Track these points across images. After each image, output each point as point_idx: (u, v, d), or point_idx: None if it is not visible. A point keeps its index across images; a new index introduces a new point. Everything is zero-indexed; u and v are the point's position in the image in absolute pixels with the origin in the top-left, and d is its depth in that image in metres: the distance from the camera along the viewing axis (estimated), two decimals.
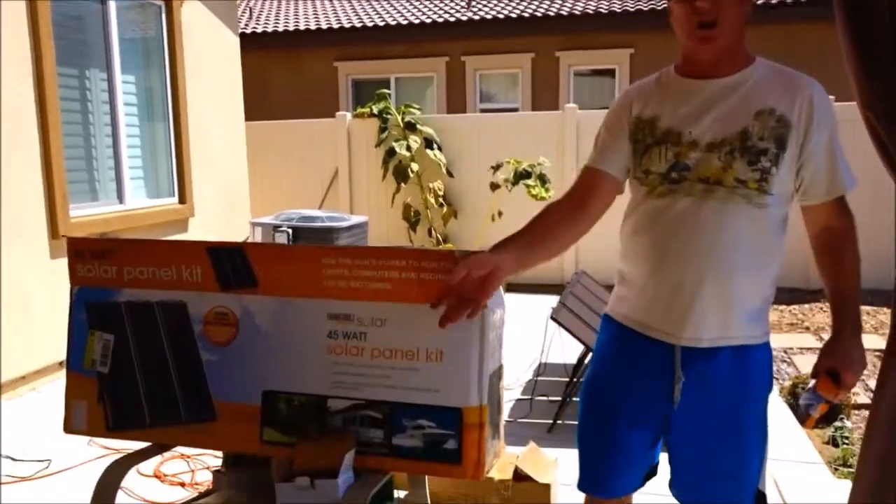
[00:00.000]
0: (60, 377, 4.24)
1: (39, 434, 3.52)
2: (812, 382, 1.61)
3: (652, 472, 1.79)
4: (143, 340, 1.79)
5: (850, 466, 3.24)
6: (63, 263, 4.49)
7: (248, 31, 9.95)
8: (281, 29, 10.27)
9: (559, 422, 3.63)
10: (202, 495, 2.07)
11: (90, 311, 1.82)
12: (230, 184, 6.45)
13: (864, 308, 6.07)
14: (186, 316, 1.75)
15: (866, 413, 3.89)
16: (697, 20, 1.54)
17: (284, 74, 10.20)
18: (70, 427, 1.83)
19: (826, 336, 5.36)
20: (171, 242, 1.81)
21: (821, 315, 5.99)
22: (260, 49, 9.09)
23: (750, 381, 1.65)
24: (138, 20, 5.30)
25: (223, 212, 6.27)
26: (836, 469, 3.23)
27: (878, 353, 4.89)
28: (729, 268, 1.57)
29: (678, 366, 1.62)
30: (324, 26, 10.13)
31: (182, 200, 5.65)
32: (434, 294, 1.54)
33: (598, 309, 4.37)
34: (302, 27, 10.24)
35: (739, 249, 1.56)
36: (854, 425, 3.70)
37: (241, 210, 6.65)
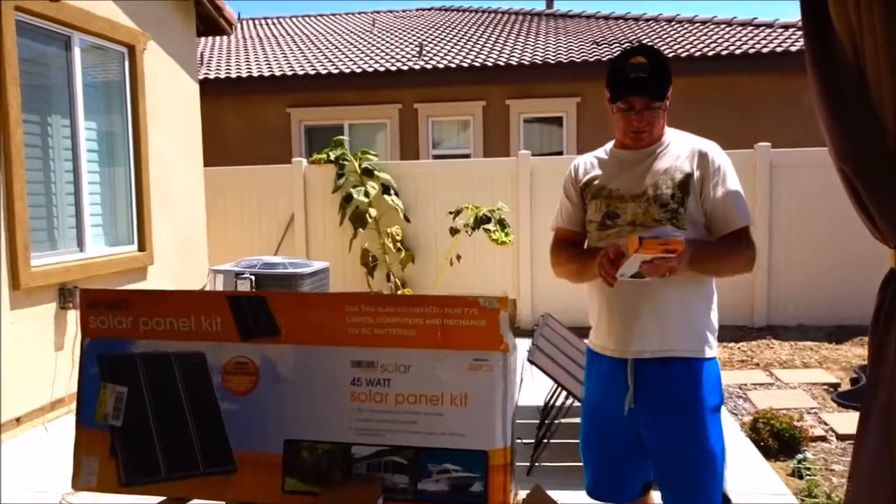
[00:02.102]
0: (19, 433, 4.07)
1: None
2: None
3: (649, 483, 2.09)
4: (159, 392, 1.78)
5: (816, 497, 3.39)
6: (26, 314, 4.34)
7: (201, 76, 9.91)
8: (234, 75, 10.28)
9: (537, 464, 3.68)
10: None
11: (103, 363, 1.81)
12: (189, 230, 6.37)
13: (807, 344, 6.40)
14: (205, 366, 1.76)
15: (824, 445, 4.09)
16: (629, 129, 1.98)
17: (237, 120, 10.18)
18: (79, 484, 1.80)
19: (777, 371, 5.61)
20: (189, 292, 1.82)
21: (768, 351, 6.26)
22: (213, 95, 9.04)
23: (701, 389, 1.95)
24: (101, 65, 5.26)
25: (182, 259, 6.18)
26: (802, 500, 3.37)
27: (825, 387, 5.16)
28: (657, 290, 1.92)
29: (629, 377, 1.96)
30: (277, 73, 10.19)
31: (141, 248, 5.55)
32: (458, 340, 1.63)
33: (565, 349, 4.48)
34: (255, 74, 10.27)
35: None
36: (814, 457, 3.87)
37: (199, 257, 6.56)
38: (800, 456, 3.78)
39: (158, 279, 5.70)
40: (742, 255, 1.95)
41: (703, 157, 1.98)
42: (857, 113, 1.80)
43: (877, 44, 1.78)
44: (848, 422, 4.35)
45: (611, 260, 1.82)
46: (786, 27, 10.41)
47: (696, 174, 1.97)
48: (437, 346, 1.65)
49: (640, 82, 1.89)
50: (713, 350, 2.00)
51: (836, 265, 6.87)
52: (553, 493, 2.94)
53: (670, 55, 9.18)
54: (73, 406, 1.88)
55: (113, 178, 5.40)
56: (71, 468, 1.81)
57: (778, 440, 3.94)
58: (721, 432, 1.98)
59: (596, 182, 2.08)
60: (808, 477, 3.59)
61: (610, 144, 2.14)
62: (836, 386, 5.16)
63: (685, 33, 10.59)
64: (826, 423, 4.34)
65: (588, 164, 2.15)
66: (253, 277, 5.67)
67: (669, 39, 10.26)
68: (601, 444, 2.07)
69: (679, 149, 2.01)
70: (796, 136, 7.88)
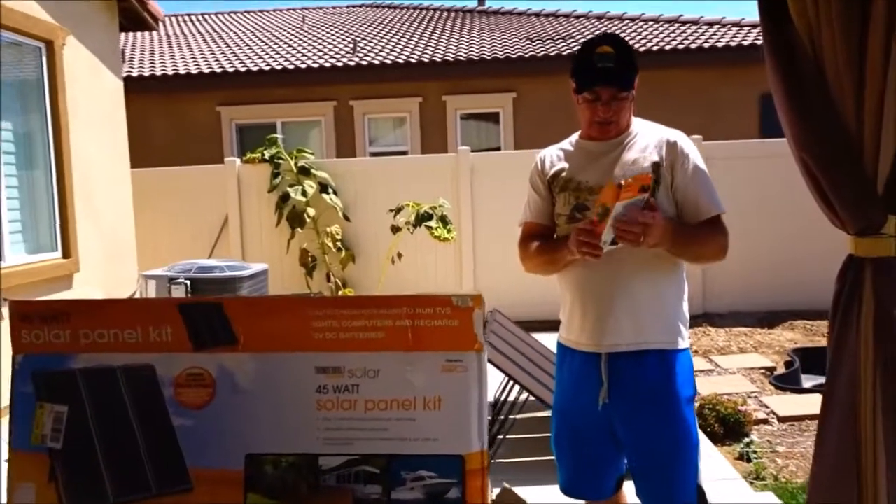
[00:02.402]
0: None
1: None
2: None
3: (622, 478, 2.08)
4: (104, 409, 1.64)
5: (763, 479, 3.47)
6: None
7: (124, 74, 9.47)
8: (159, 73, 9.88)
9: (493, 461, 3.64)
10: None
11: (38, 381, 1.65)
12: (116, 235, 6.06)
13: (741, 330, 6.60)
14: (155, 380, 1.63)
15: (766, 428, 4.21)
16: (596, 120, 1.95)
17: (165, 120, 9.79)
18: None
19: (715, 357, 5.75)
20: (135, 302, 1.69)
21: (706, 338, 6.43)
22: (138, 94, 8.65)
23: (675, 381, 1.93)
24: (16, 62, 4.93)
25: (110, 265, 5.87)
26: (751, 482, 3.44)
27: (762, 371, 5.32)
28: (630, 282, 1.92)
29: (604, 371, 1.93)
30: (205, 70, 9.85)
31: (66, 255, 5.24)
32: (430, 341, 1.55)
33: (515, 344, 4.46)
34: (182, 71, 9.90)
35: (635, 266, 1.91)
36: (759, 439, 3.97)
37: (128, 262, 6.26)
38: (746, 440, 3.87)
39: (85, 287, 5.40)
40: (717, 240, 1.94)
41: (671, 147, 1.96)
42: (817, 104, 1.82)
43: (834, 37, 1.80)
44: (787, 404, 4.50)
45: (588, 231, 1.77)
46: (710, 24, 10.74)
47: (665, 164, 1.95)
48: (407, 349, 1.57)
49: (606, 72, 1.86)
50: (686, 341, 1.99)
51: (766, 254, 7.11)
52: (516, 490, 2.92)
53: None
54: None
55: (32, 182, 5.08)
56: (3, 498, 1.64)
57: (724, 425, 4.02)
58: (695, 423, 1.97)
59: (563, 174, 2.04)
60: (755, 460, 3.68)
61: (575, 136, 2.10)
62: (772, 370, 5.33)
63: (615, 30, 10.79)
64: (767, 407, 4.47)
65: (554, 156, 2.11)
66: (188, 282, 5.43)
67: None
68: (575, 441, 2.03)
69: (646, 139, 1.99)
70: (726, 129, 8.12)
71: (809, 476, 1.96)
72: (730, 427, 3.99)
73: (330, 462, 1.58)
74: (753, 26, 10.40)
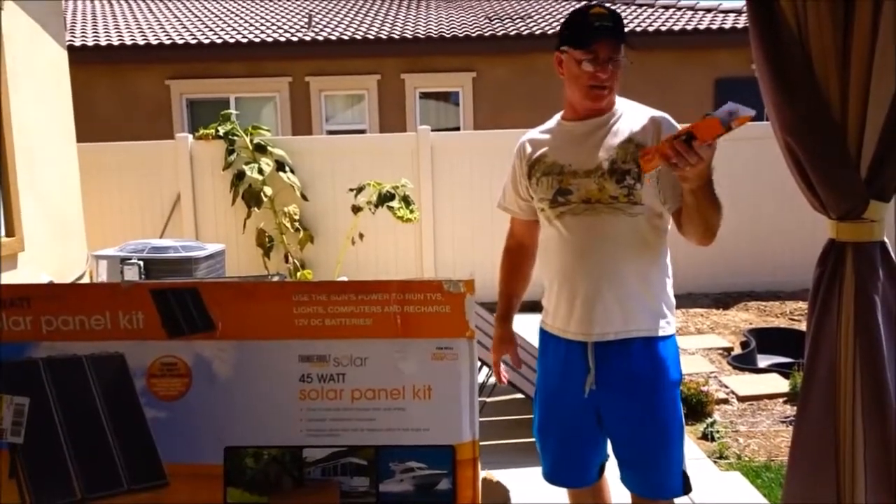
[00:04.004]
0: None
1: None
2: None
3: (605, 464, 2.07)
4: (70, 401, 1.54)
5: (727, 458, 3.54)
6: None
7: (66, 44, 9.02)
8: (104, 43, 9.45)
9: None
10: None
11: None
12: (63, 213, 5.80)
13: (697, 311, 6.73)
14: (125, 369, 1.53)
15: (727, 407, 4.29)
16: (594, 82, 1.85)
17: (110, 93, 9.39)
18: None
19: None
20: (103, 286, 1.58)
21: None
22: (81, 64, 8.26)
23: (661, 367, 1.91)
24: None
25: (57, 244, 5.62)
26: (716, 461, 3.50)
27: (720, 352, 5.43)
28: (618, 269, 1.88)
29: (591, 360, 1.90)
30: (153, 42, 9.47)
31: (10, 233, 4.98)
32: (420, 328, 1.50)
33: (481, 326, 4.43)
34: (128, 42, 9.49)
35: (623, 252, 1.88)
36: (721, 419, 4.05)
37: (76, 241, 6.00)
38: (709, 420, 3.93)
39: (31, 267, 5.16)
40: (720, 215, 1.84)
41: (657, 128, 1.89)
42: (802, 87, 1.81)
43: (820, 19, 1.79)
44: (745, 384, 4.59)
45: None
46: (666, 7, 10.82)
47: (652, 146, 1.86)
48: (396, 336, 1.51)
49: (605, 30, 1.79)
50: (671, 326, 1.96)
51: (721, 236, 7.22)
52: (493, 473, 2.90)
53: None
54: None
55: None
56: None
57: (687, 405, 4.07)
58: (679, 409, 1.95)
59: (546, 158, 1.97)
60: (718, 439, 3.75)
61: (557, 116, 2.03)
62: (729, 350, 5.44)
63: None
64: (727, 387, 4.55)
65: (535, 140, 2.04)
66: (141, 263, 5.24)
67: (558, 16, 10.40)
68: (560, 429, 1.99)
69: (631, 120, 1.91)
70: (681, 113, 8.19)
71: (789, 457, 1.97)
72: (692, 407, 4.05)
73: (315, 454, 1.51)
74: (708, 10, 10.52)
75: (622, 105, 1.96)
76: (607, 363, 1.89)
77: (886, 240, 1.85)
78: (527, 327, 2.68)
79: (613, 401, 1.90)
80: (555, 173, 1.94)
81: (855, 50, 1.77)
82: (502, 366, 2.20)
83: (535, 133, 2.07)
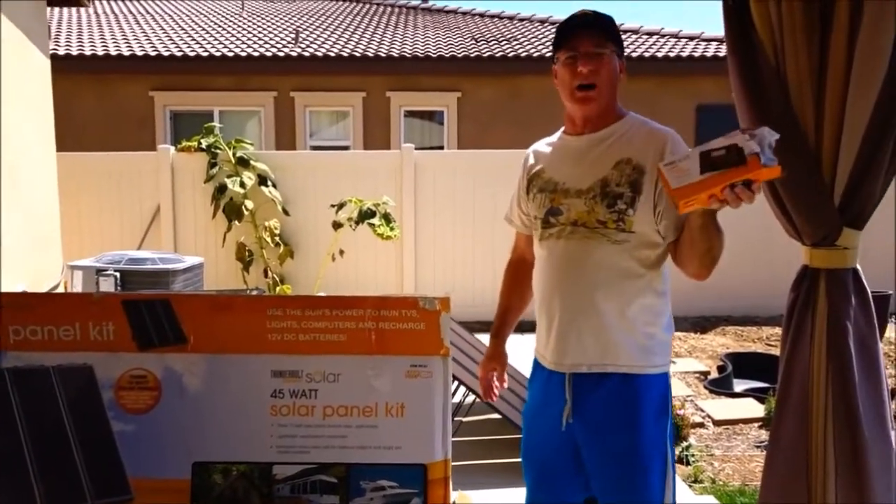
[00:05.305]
0: None
1: None
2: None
3: (592, 499, 1.91)
4: (35, 413, 1.50)
5: (702, 482, 3.54)
6: None
7: (51, 52, 8.97)
8: (88, 53, 9.40)
9: None
10: None
11: None
12: (40, 222, 5.72)
13: (675, 334, 6.75)
14: (93, 381, 1.51)
15: (703, 431, 4.30)
16: (578, 83, 1.76)
17: (93, 102, 9.32)
18: None
19: None
20: (74, 296, 1.56)
21: None
22: (64, 73, 8.21)
23: (641, 406, 1.78)
24: None
25: (34, 254, 5.53)
26: (691, 485, 3.50)
27: (696, 375, 5.45)
28: (596, 298, 1.77)
29: (567, 391, 1.81)
30: (139, 53, 9.43)
31: None
32: (394, 345, 1.49)
33: (459, 344, 4.42)
34: (113, 52, 9.45)
35: (604, 281, 1.77)
36: (697, 443, 4.05)
37: (53, 251, 5.92)
38: (685, 443, 3.94)
39: (6, 276, 5.07)
40: (722, 243, 1.69)
41: (660, 146, 1.74)
42: (779, 116, 1.83)
43: (797, 50, 1.82)
44: (721, 408, 4.61)
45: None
46: (650, 34, 10.99)
47: (650, 171, 1.73)
48: (370, 352, 1.50)
49: (584, 24, 1.75)
50: (662, 367, 1.83)
51: None
52: (468, 493, 2.87)
53: (546, 55, 9.40)
54: None
55: None
56: None
57: None
58: (665, 449, 1.81)
59: (544, 174, 1.88)
60: (693, 463, 3.75)
61: (561, 130, 1.94)
62: (706, 374, 5.46)
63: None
64: (703, 410, 4.57)
65: (539, 152, 1.94)
66: (117, 274, 5.17)
67: (544, 39, 10.52)
68: (540, 456, 1.92)
69: (632, 139, 1.79)
70: None
71: (761, 480, 1.98)
72: None
73: (285, 471, 1.49)
74: (691, 38, 10.70)
75: (629, 121, 1.84)
76: (583, 396, 1.80)
77: (859, 267, 1.88)
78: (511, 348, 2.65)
79: (589, 436, 1.81)
80: (548, 191, 1.85)
81: (830, 81, 1.80)
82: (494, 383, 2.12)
83: (540, 144, 1.98)
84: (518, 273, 2.09)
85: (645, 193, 1.73)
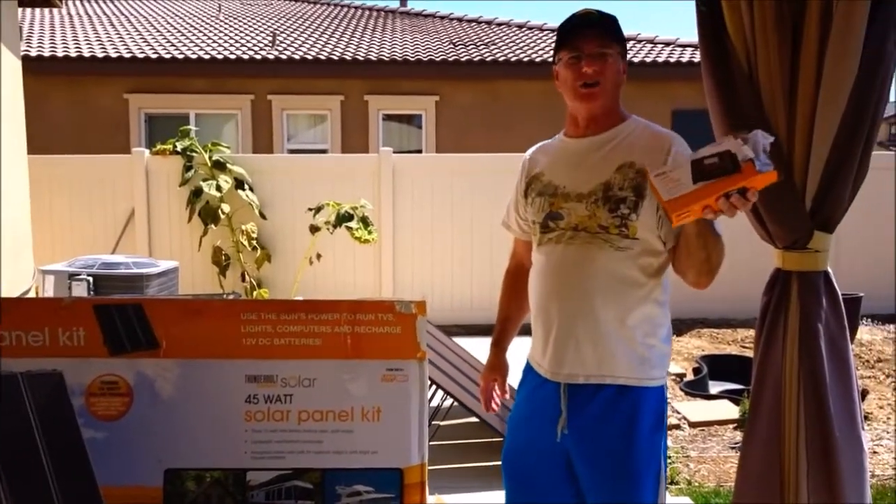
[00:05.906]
0: None
1: None
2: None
3: None
4: (3, 420, 1.47)
5: (677, 483, 3.57)
6: None
7: (22, 53, 8.83)
8: (61, 54, 9.26)
9: None
10: None
11: None
12: (10, 225, 5.62)
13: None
14: (63, 388, 1.48)
15: (678, 433, 4.33)
16: (581, 81, 1.72)
17: (65, 104, 9.19)
18: None
19: None
20: (43, 301, 1.53)
21: None
22: (35, 75, 8.09)
23: (637, 419, 1.73)
24: None
25: (4, 259, 5.43)
26: (667, 487, 3.52)
27: (672, 377, 5.49)
28: (596, 307, 1.71)
29: (563, 402, 1.75)
30: (112, 55, 9.32)
31: None
32: (370, 349, 1.49)
33: (437, 348, 4.41)
34: (87, 54, 9.32)
35: (604, 290, 1.71)
36: (673, 444, 4.09)
37: (24, 256, 5.82)
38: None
39: None
40: (722, 250, 1.67)
41: (665, 149, 1.70)
42: (751, 121, 1.85)
43: (769, 57, 1.85)
44: (696, 410, 4.65)
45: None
46: (627, 40, 11.07)
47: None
48: (345, 357, 1.49)
49: (588, 24, 1.71)
50: (659, 379, 1.78)
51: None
52: (446, 498, 2.87)
53: (524, 59, 9.46)
54: None
55: None
56: None
57: None
58: (659, 463, 1.78)
59: (543, 177, 1.82)
60: (669, 465, 3.77)
61: (562, 132, 1.89)
62: (681, 376, 5.51)
63: (536, 40, 10.96)
64: (679, 412, 4.61)
65: (539, 155, 1.90)
66: (90, 279, 5.10)
67: (521, 44, 10.57)
68: (524, 463, 1.83)
69: (635, 142, 1.74)
70: None
71: (735, 481, 2.00)
72: None
73: (259, 477, 1.48)
74: (667, 43, 10.82)
75: (632, 124, 1.80)
76: (578, 408, 1.74)
77: (830, 269, 1.90)
78: (470, 349, 2.66)
79: (583, 448, 1.75)
80: (548, 194, 1.79)
81: (801, 85, 1.83)
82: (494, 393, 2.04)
83: (540, 147, 1.93)
84: (517, 280, 2.02)
85: (648, 198, 1.67)
